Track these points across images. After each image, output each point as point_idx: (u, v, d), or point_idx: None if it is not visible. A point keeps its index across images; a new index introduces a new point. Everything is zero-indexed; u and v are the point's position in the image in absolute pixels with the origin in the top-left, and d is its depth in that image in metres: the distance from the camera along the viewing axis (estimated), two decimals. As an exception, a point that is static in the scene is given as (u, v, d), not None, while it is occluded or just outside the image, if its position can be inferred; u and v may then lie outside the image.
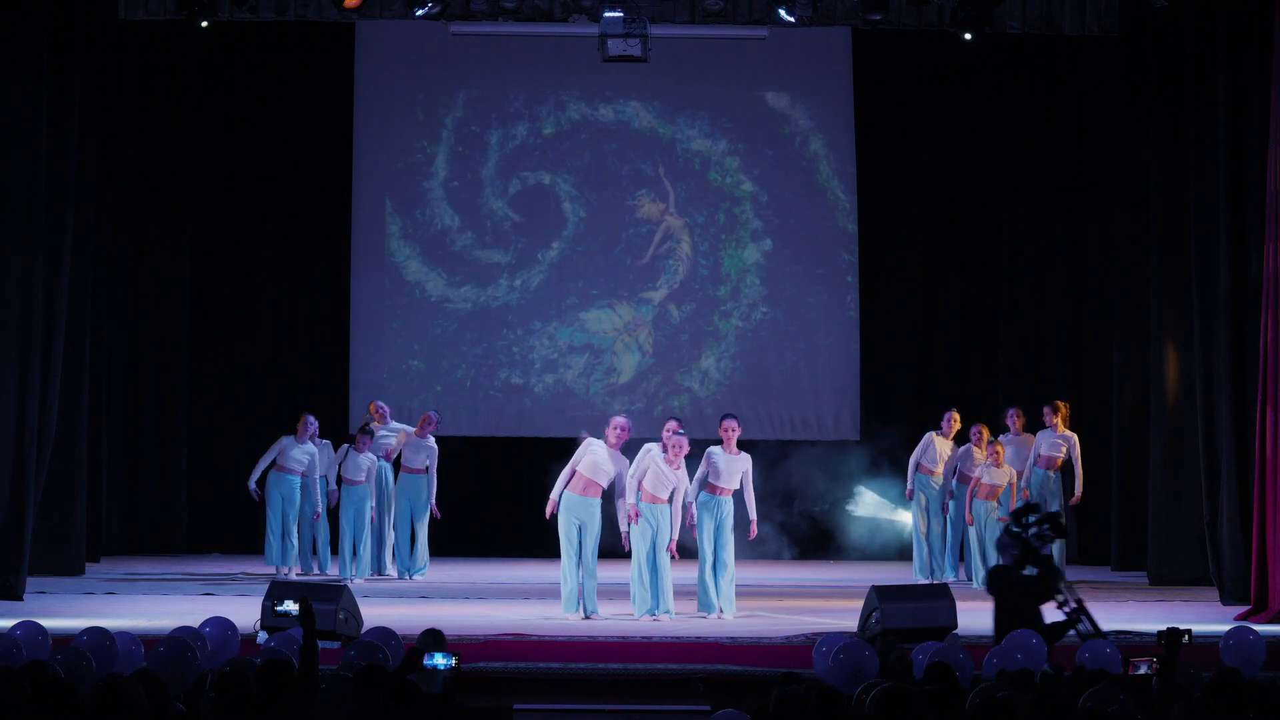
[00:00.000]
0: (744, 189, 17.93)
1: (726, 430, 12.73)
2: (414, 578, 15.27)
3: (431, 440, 15.45)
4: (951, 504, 15.18)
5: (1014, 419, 15.24)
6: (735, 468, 12.63)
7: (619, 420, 12.65)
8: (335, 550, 15.43)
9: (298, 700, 6.81)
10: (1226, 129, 13.44)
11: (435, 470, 15.42)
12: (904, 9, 14.44)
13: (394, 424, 15.70)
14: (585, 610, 12.40)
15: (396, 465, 15.60)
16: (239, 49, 17.38)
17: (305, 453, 15.18)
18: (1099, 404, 16.98)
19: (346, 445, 15.30)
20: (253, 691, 6.70)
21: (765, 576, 15.51)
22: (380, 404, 15.79)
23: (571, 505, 12.50)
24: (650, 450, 12.40)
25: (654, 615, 12.29)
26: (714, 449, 12.70)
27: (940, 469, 15.27)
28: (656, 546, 12.36)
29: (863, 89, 17.84)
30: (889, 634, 10.53)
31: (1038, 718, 6.36)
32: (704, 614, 12.52)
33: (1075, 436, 15.08)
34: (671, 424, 12.63)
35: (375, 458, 15.19)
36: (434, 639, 8.58)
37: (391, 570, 15.44)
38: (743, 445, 12.86)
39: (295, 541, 15.25)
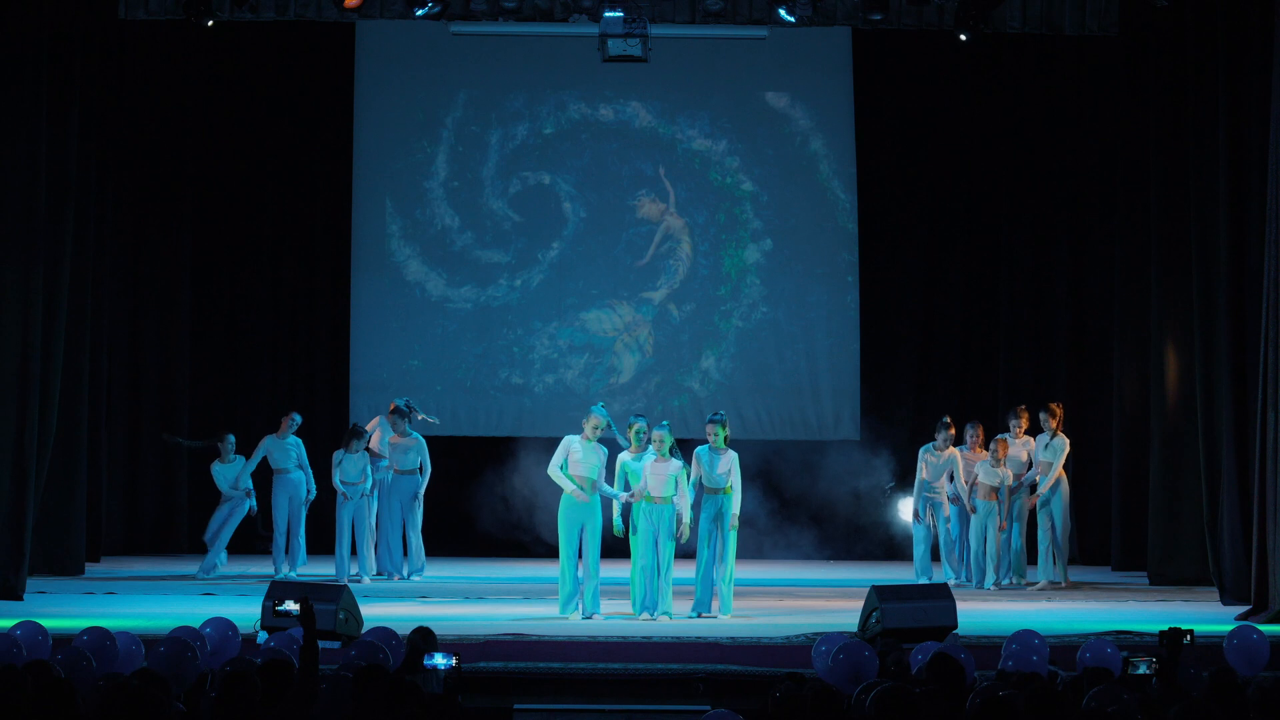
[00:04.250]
0: (744, 189, 17.93)
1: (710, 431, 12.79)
2: (412, 579, 15.22)
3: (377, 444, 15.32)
4: (953, 507, 15.08)
5: (1015, 422, 15.09)
6: (720, 465, 12.65)
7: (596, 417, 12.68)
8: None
9: (298, 700, 6.81)
10: (1226, 129, 13.44)
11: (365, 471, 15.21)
12: (904, 9, 14.45)
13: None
14: (585, 610, 12.41)
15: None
16: (239, 49, 17.37)
17: (293, 446, 15.20)
18: (1099, 404, 16.98)
19: (341, 451, 15.20)
20: (253, 692, 6.70)
21: (765, 576, 15.51)
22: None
23: (571, 507, 12.54)
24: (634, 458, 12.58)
25: (651, 615, 12.32)
26: (699, 449, 12.75)
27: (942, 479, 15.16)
28: (658, 546, 12.40)
29: (863, 89, 17.83)
30: (889, 634, 10.53)
31: (1038, 718, 6.36)
32: (699, 614, 12.53)
33: (1066, 440, 14.94)
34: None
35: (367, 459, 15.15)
36: (423, 637, 8.58)
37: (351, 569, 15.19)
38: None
39: (302, 541, 15.21)
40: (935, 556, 15.23)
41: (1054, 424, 14.81)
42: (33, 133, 13.40)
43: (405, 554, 15.31)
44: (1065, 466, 14.88)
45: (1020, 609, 13.02)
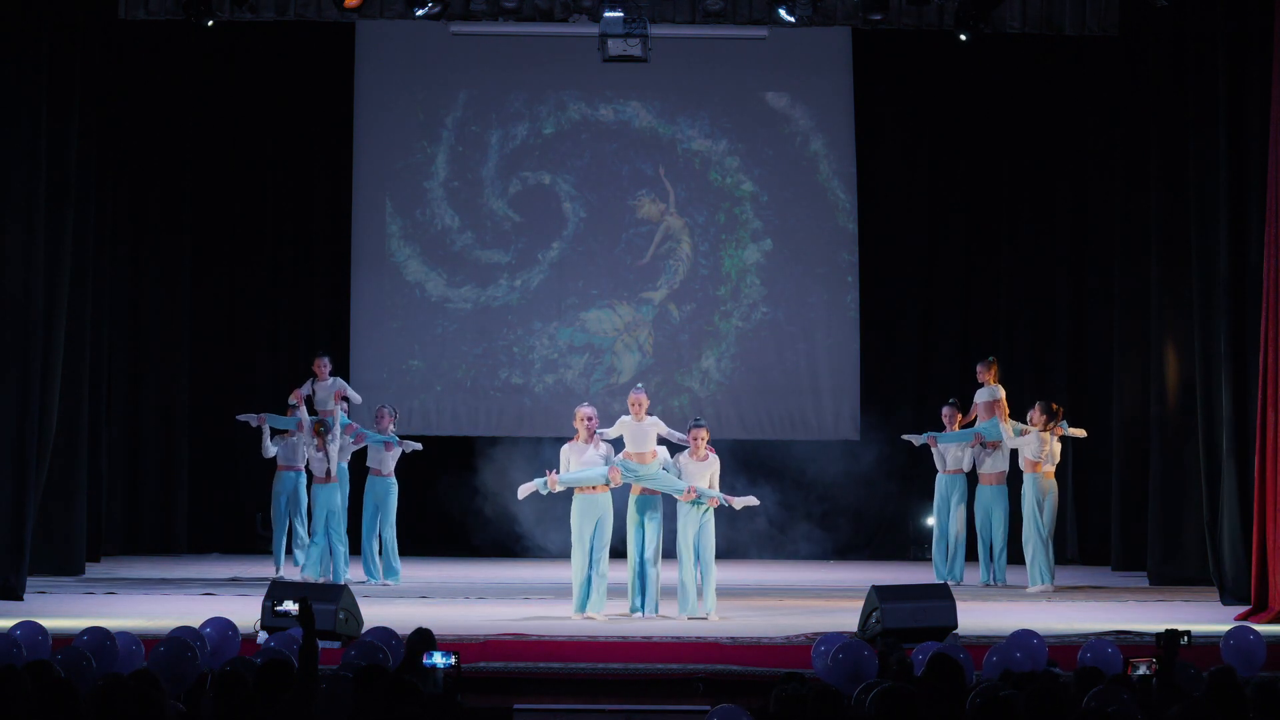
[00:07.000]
0: (744, 189, 17.93)
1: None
2: (387, 583, 14.74)
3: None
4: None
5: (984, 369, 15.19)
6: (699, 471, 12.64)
7: (582, 411, 12.59)
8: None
9: (298, 700, 6.81)
10: (1226, 129, 13.43)
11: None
12: (904, 9, 14.44)
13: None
14: (592, 608, 12.42)
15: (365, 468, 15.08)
16: (239, 49, 17.38)
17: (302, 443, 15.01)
18: (1099, 404, 16.98)
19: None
20: (252, 692, 6.70)
21: (766, 577, 15.51)
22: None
23: (584, 506, 12.50)
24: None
25: (644, 613, 12.38)
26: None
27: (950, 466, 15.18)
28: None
29: (863, 89, 17.84)
30: (889, 634, 10.53)
31: (1038, 718, 6.36)
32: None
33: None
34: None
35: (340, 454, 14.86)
36: (423, 637, 8.58)
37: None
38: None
39: (304, 539, 15.06)
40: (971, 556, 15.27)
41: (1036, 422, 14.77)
42: (33, 132, 13.41)
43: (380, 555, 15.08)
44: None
45: (1020, 609, 13.02)
